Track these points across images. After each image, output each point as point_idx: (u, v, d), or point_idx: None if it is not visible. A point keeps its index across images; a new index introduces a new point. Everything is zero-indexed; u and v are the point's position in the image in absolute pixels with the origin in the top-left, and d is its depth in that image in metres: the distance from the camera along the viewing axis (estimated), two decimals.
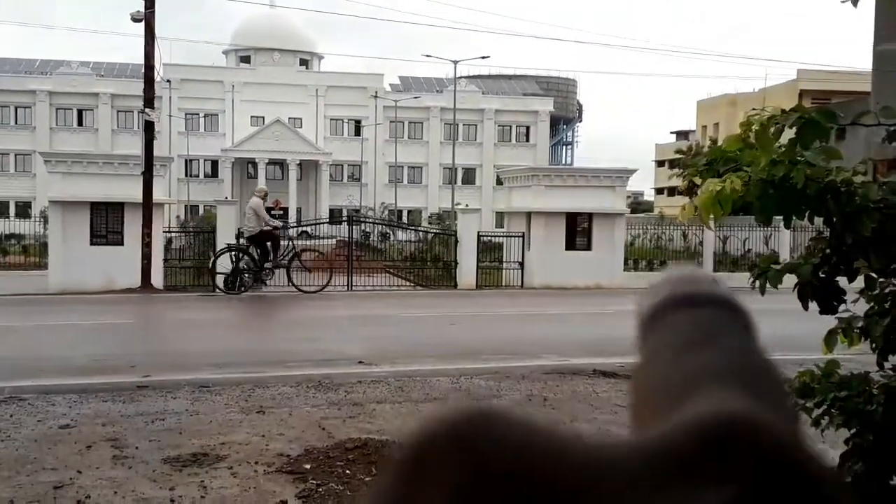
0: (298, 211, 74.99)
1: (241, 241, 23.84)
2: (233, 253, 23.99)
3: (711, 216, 3.16)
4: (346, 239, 27.29)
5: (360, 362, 10.53)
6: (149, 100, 22.47)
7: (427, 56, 61.66)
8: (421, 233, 33.19)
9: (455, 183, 71.73)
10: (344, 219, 31.58)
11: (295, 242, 24.51)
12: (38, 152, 49.61)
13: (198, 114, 79.52)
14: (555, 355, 11.40)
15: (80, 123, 78.70)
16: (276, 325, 15.28)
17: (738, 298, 0.70)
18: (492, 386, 9.24)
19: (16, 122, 77.64)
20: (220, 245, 23.92)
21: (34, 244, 29.29)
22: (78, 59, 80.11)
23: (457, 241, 26.07)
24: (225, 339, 13.35)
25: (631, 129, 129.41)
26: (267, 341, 12.94)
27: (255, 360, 10.89)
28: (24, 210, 67.79)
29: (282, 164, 77.93)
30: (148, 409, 7.98)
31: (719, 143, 3.41)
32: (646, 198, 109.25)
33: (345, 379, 9.44)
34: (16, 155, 76.38)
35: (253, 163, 77.67)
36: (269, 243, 21.21)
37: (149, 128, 22.68)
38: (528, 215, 25.99)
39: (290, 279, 21.29)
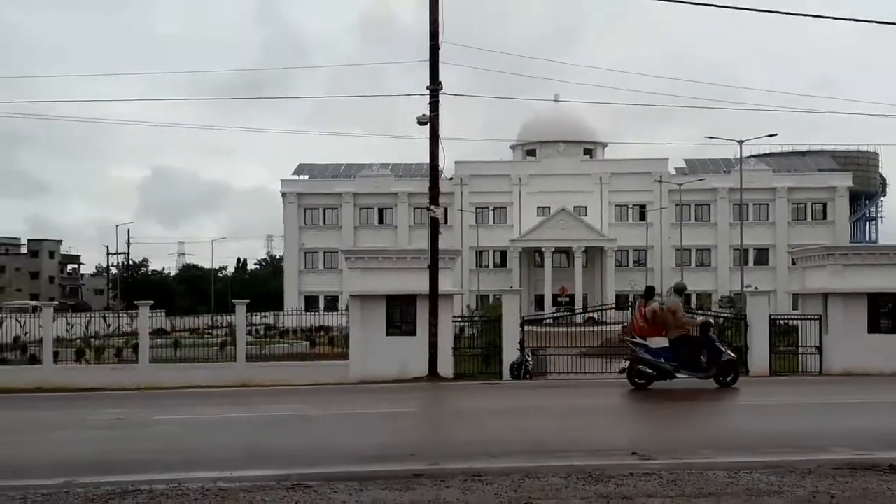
0: (584, 297, 75.19)
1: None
2: (518, 342, 24.51)
3: None
4: None
5: (634, 454, 10.29)
6: (434, 197, 23.67)
7: (710, 137, 60.26)
8: (710, 317, 32.01)
9: (746, 264, 68.95)
10: (630, 304, 31.16)
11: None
12: (340, 250, 53.56)
13: (487, 207, 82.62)
14: (849, 448, 10.53)
15: (380, 221, 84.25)
16: (557, 413, 15.28)
17: None
18: (773, 481, 8.67)
19: (324, 223, 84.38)
20: (506, 333, 24.48)
21: (338, 336, 31.28)
22: (378, 161, 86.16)
23: (746, 325, 25.00)
24: (503, 427, 13.51)
25: None
26: (545, 430, 12.94)
27: (529, 450, 10.94)
28: (332, 304, 73.09)
29: (567, 252, 78.76)
30: (421, 497, 8.22)
31: None
32: None
33: (616, 471, 9.24)
34: (324, 252, 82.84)
35: (539, 252, 79.15)
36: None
37: (434, 223, 23.84)
38: (825, 296, 24.52)
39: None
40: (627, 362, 18.73)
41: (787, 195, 79.96)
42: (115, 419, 15.31)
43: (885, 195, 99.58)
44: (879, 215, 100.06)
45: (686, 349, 18.26)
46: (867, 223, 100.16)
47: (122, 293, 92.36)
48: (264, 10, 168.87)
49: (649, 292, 19.50)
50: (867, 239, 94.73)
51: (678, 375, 18.31)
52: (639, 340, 18.42)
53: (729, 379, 18.38)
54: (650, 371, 18.25)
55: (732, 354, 18.92)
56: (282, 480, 9.06)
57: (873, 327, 23.81)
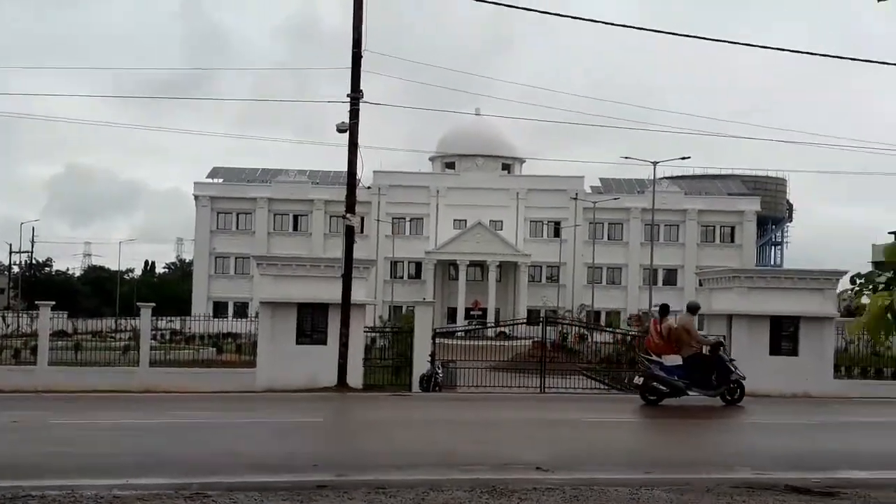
0: (497, 311, 75.68)
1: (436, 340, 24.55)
2: (430, 355, 24.49)
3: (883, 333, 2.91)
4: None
5: (538, 468, 10.33)
6: (350, 205, 23.49)
7: (626, 158, 61.38)
8: (618, 335, 32.54)
9: (655, 284, 70.26)
10: (540, 320, 31.46)
11: None
12: (252, 256, 52.83)
13: (404, 218, 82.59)
14: (748, 468, 10.77)
15: (295, 228, 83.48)
16: (465, 426, 15.27)
17: None
18: (672, 499, 8.79)
19: (237, 228, 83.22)
20: (417, 345, 24.44)
21: (247, 343, 30.74)
22: (296, 167, 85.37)
23: None
24: (410, 439, 13.46)
25: (853, 229, 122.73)
26: (452, 442, 12.93)
27: (435, 462, 10.90)
28: (241, 310, 72.02)
29: (482, 266, 79.20)
30: None
31: None
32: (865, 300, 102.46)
33: (520, 485, 9.25)
34: (235, 258, 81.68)
35: (454, 264, 79.43)
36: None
37: (350, 232, 23.66)
38: (730, 318, 25.05)
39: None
40: (641, 378, 19.09)
41: (696, 217, 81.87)
42: (10, 422, 14.77)
43: (791, 221, 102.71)
44: (785, 240, 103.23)
45: (698, 367, 18.74)
46: (773, 247, 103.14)
47: (23, 293, 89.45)
48: (188, 10, 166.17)
49: (664, 310, 19.78)
50: (772, 263, 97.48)
51: (689, 393, 18.78)
52: (654, 357, 18.78)
53: (735, 397, 19.02)
54: (663, 388, 18.64)
55: (741, 374, 19.37)
56: (180, 489, 8.83)
57: (775, 349, 24.36)
